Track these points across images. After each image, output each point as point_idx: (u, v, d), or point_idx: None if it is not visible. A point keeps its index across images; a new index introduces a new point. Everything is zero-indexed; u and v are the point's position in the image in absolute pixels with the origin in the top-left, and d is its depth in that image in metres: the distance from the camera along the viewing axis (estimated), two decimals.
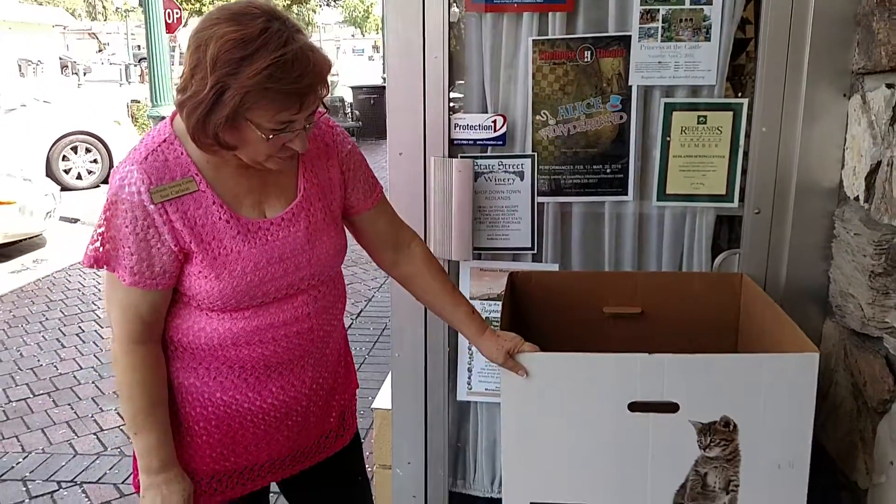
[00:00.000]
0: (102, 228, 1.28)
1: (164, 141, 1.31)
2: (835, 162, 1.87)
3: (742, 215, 1.98)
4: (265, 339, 1.36)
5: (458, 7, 1.99)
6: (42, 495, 2.78)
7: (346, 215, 1.51)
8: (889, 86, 1.62)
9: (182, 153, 1.30)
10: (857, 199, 1.77)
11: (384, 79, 2.10)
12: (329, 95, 1.34)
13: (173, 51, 16.84)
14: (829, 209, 1.89)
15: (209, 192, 1.30)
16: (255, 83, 1.17)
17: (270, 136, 1.24)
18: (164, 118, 5.19)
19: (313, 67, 1.23)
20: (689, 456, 1.54)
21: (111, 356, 1.35)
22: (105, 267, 1.29)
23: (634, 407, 1.54)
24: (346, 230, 1.54)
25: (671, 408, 1.53)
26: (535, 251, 2.14)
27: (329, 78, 1.30)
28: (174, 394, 1.38)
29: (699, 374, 1.51)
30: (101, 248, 1.28)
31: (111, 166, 9.75)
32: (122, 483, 2.86)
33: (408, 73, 1.98)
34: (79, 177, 9.60)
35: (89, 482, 2.87)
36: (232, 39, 1.17)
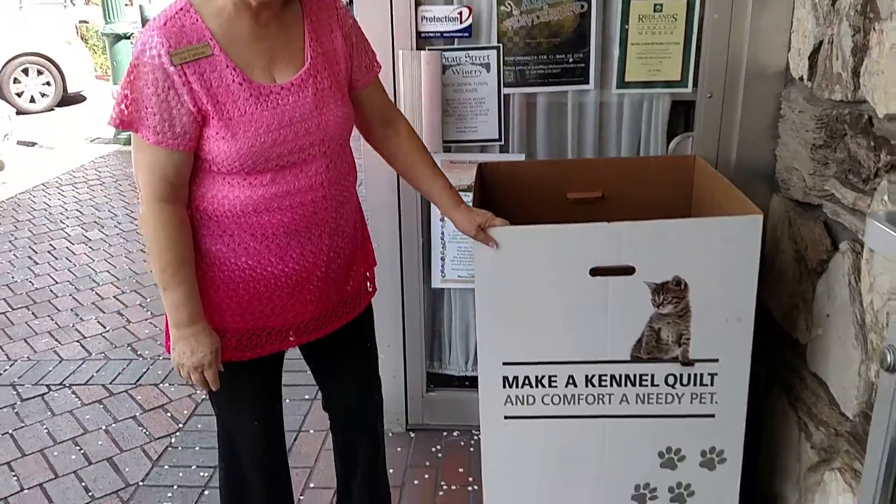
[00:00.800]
0: (126, 91, 1.36)
1: (181, 9, 1.38)
2: (782, 45, 1.98)
3: (695, 100, 2.09)
4: (283, 206, 1.45)
5: None
6: (34, 397, 2.89)
7: (350, 91, 1.59)
8: None
9: (197, 20, 1.38)
10: (801, 78, 1.89)
11: None
12: None
13: None
14: (777, 91, 2.01)
15: (223, 56, 1.38)
16: None
17: None
18: (118, 36, 5.10)
19: None
20: (644, 314, 1.69)
21: (140, 218, 1.44)
22: (129, 128, 1.37)
23: (595, 272, 1.68)
24: None
25: (628, 271, 1.67)
26: (503, 142, 2.24)
27: None
28: (202, 259, 1.48)
29: (653, 239, 1.65)
30: (125, 110, 1.36)
31: (65, 89, 9.50)
32: (111, 383, 2.98)
33: None
34: (32, 100, 9.33)
35: (78, 384, 2.98)
36: None
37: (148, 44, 1.34)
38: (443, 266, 2.45)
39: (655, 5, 2.02)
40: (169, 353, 1.51)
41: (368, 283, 1.75)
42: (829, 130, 1.72)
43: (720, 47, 2.01)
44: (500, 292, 1.73)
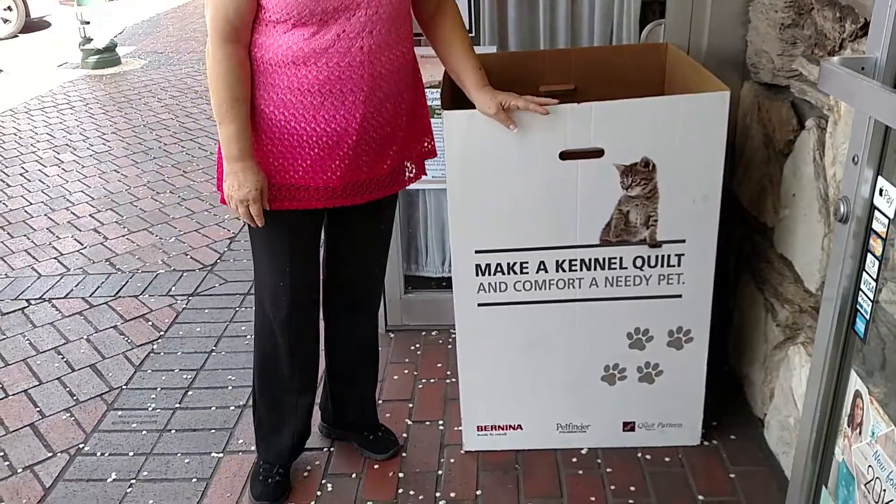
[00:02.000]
0: None
1: None
2: None
3: None
4: (320, 63, 1.49)
5: None
6: (13, 311, 2.89)
7: None
8: None
9: None
10: None
11: None
12: None
13: None
14: None
15: None
16: None
17: None
18: None
19: None
20: (612, 197, 1.71)
21: (206, 53, 1.52)
22: None
23: (564, 155, 1.69)
24: None
25: (598, 153, 1.68)
26: (473, 34, 2.21)
27: None
28: None
29: (622, 119, 1.65)
30: None
31: (27, 14, 9.18)
32: (90, 296, 2.98)
33: None
34: None
35: (57, 298, 2.98)
36: None
37: None
38: None
39: None
40: (219, 190, 1.62)
41: (408, 170, 1.76)
42: (798, 7, 1.71)
43: None
44: (469, 179, 1.74)
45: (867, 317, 1.05)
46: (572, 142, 1.67)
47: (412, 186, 2.42)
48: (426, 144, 1.78)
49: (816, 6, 1.61)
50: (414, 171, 1.78)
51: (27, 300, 3.01)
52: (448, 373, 2.36)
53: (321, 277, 1.83)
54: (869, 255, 1.03)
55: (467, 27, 2.18)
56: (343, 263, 1.84)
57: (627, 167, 1.68)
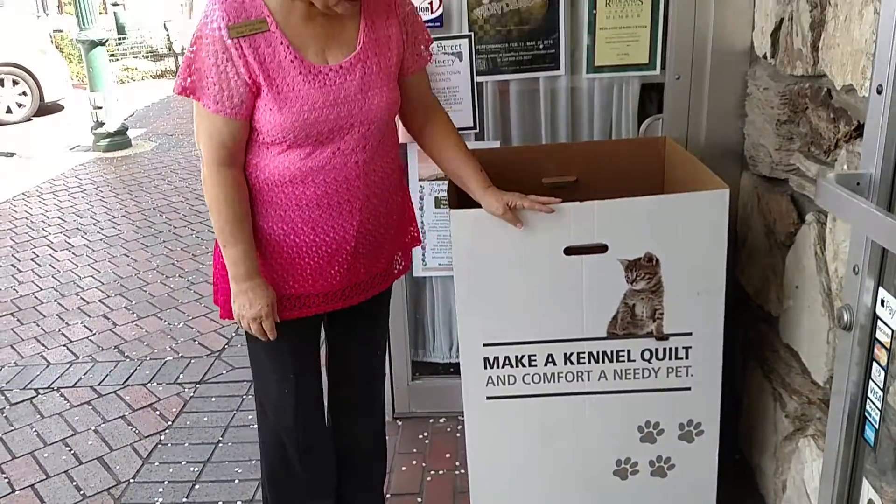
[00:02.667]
0: (189, 61, 1.44)
1: None
2: (746, 25, 2.03)
3: (664, 82, 2.13)
4: (317, 180, 1.52)
5: None
6: (22, 402, 2.89)
7: (399, 76, 1.63)
8: None
9: None
10: (765, 56, 1.94)
11: None
12: None
13: None
14: (743, 70, 2.06)
15: (279, 33, 1.44)
16: None
17: None
18: (94, 42, 5.07)
19: None
20: (618, 290, 1.73)
21: (201, 179, 1.53)
22: (192, 95, 1.45)
23: (569, 251, 1.72)
24: None
25: (601, 249, 1.71)
26: (477, 130, 2.27)
27: None
28: None
29: (624, 216, 1.69)
30: (188, 79, 1.44)
31: (41, 98, 9.44)
32: (99, 385, 2.99)
33: None
34: (9, 110, 9.28)
35: (66, 387, 2.99)
36: None
37: (210, 17, 1.42)
38: (423, 255, 2.48)
39: None
40: (217, 305, 1.65)
41: (397, 263, 1.79)
42: (793, 105, 1.76)
43: (686, 29, 2.05)
44: (477, 274, 1.76)
45: (876, 425, 1.05)
46: (576, 238, 1.71)
47: (418, 273, 2.48)
48: (412, 233, 1.83)
49: (811, 105, 1.66)
50: (402, 262, 1.81)
51: (35, 389, 3.02)
52: (457, 463, 2.34)
53: (326, 379, 1.84)
54: (874, 364, 1.04)
55: (471, 123, 2.25)
56: (346, 362, 1.85)
57: (631, 262, 1.71)
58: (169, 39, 14.43)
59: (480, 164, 1.73)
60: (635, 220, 1.69)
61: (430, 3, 2.10)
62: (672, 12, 2.05)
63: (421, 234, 2.43)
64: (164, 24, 14.83)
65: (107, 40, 7.63)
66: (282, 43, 1.44)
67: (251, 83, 1.44)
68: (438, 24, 2.12)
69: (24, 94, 9.36)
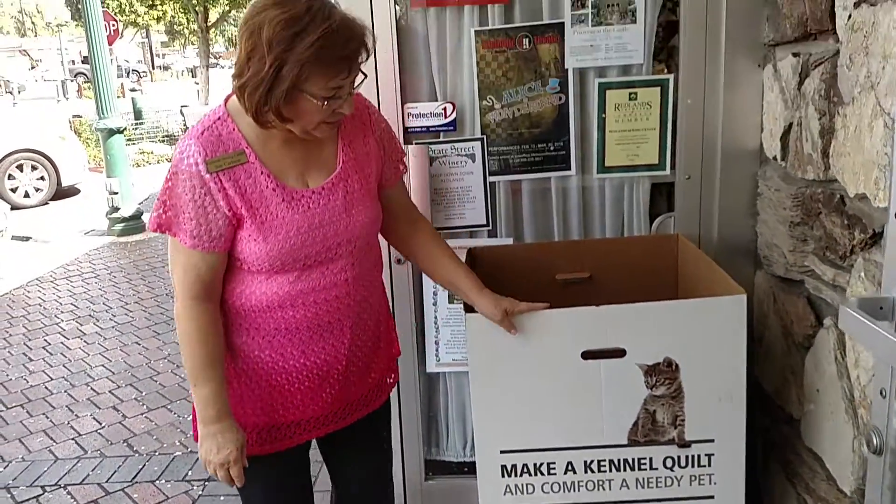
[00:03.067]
0: (165, 197, 1.42)
1: (219, 119, 1.45)
2: (754, 126, 2.06)
3: (674, 181, 2.16)
4: (307, 302, 1.49)
5: (403, 3, 2.13)
6: (28, 500, 2.85)
7: (379, 190, 1.65)
8: (795, 54, 1.81)
9: (234, 129, 1.45)
10: (775, 158, 1.96)
11: None
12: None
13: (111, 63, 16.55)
14: (753, 170, 2.08)
15: (258, 163, 1.44)
16: (310, 55, 1.31)
17: (325, 104, 1.37)
18: (112, 130, 5.21)
19: (357, 32, 1.38)
20: (638, 396, 1.71)
21: (174, 313, 1.48)
22: (167, 231, 1.43)
23: (587, 355, 1.70)
24: None
25: (619, 353, 1.70)
26: (491, 227, 2.29)
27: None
28: (227, 353, 1.52)
29: (641, 321, 1.68)
30: (163, 215, 1.42)
31: (59, 183, 9.63)
32: (106, 482, 2.94)
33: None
34: (26, 195, 9.45)
35: (73, 484, 2.94)
36: (283, 20, 1.31)
37: (186, 152, 1.41)
38: (437, 350, 2.46)
39: (630, 94, 2.11)
40: (197, 441, 1.54)
41: (390, 375, 1.77)
42: (805, 208, 1.78)
43: (695, 131, 2.09)
44: (494, 379, 1.75)
45: None
46: (594, 342, 1.70)
47: (431, 369, 2.46)
48: (396, 343, 1.82)
49: (824, 210, 1.67)
50: (393, 376, 1.80)
51: (42, 487, 2.97)
52: None
53: (333, 499, 1.80)
54: None
55: (485, 221, 2.27)
56: (348, 491, 1.80)
57: (650, 367, 1.69)
58: (185, 125, 14.79)
59: (470, 270, 1.73)
60: (653, 325, 1.69)
61: (444, 109, 2.15)
62: (680, 115, 2.09)
63: (435, 329, 2.43)
64: (181, 110, 15.22)
65: (125, 128, 7.82)
66: (262, 172, 1.44)
67: (231, 216, 1.43)
68: (452, 127, 2.17)
69: (42, 178, 9.55)
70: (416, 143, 2.18)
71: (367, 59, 1.43)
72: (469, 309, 1.79)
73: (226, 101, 1.49)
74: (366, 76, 1.49)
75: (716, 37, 2.02)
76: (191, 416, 3.41)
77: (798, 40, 1.79)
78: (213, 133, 1.43)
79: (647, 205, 2.24)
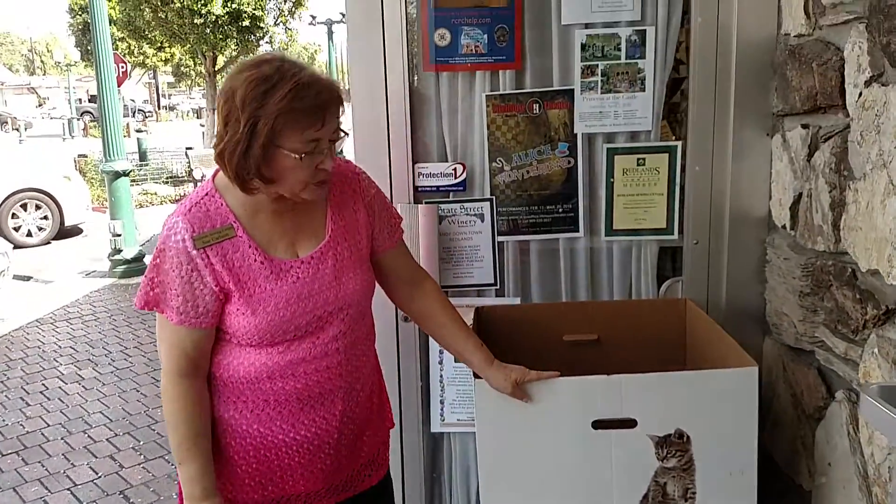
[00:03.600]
0: (152, 274, 1.42)
1: (207, 194, 1.46)
2: (763, 194, 2.07)
3: (682, 246, 2.16)
4: (297, 372, 1.48)
5: (416, 66, 2.16)
6: None
7: (372, 255, 1.65)
8: (804, 126, 1.83)
9: (222, 204, 1.45)
10: (784, 227, 1.97)
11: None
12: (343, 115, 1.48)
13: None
14: (761, 237, 2.09)
15: (245, 237, 1.44)
16: (281, 107, 1.33)
17: (303, 156, 1.37)
18: (118, 173, 5.25)
19: (327, 84, 1.40)
20: (649, 467, 1.69)
21: (161, 388, 1.46)
22: (155, 308, 1.43)
23: (597, 425, 1.69)
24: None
25: (630, 424, 1.68)
26: (498, 286, 2.29)
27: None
28: (215, 427, 1.50)
29: (653, 391, 1.67)
30: (150, 292, 1.42)
31: (62, 222, 9.66)
32: None
33: (372, 126, 2.14)
34: (29, 234, 9.48)
35: None
36: (254, 79, 1.34)
37: (173, 229, 1.41)
38: (442, 410, 2.44)
39: (638, 159, 2.12)
40: None
41: (384, 450, 1.75)
42: (815, 279, 1.77)
43: (703, 197, 2.10)
44: (502, 446, 1.73)
45: None
46: (605, 411, 1.68)
47: (436, 429, 2.43)
48: (388, 415, 1.79)
49: (835, 283, 1.67)
50: (383, 451, 1.76)
51: None
52: None
53: None
54: None
55: (492, 280, 2.27)
56: None
57: (662, 438, 1.67)
58: (190, 167, 14.90)
59: (479, 340, 1.71)
60: (665, 395, 1.67)
61: (454, 170, 2.17)
62: (688, 181, 2.11)
63: (440, 388, 2.41)
64: (186, 152, 15.36)
65: (130, 171, 7.87)
66: (249, 246, 1.44)
67: (218, 291, 1.42)
68: (461, 188, 2.18)
69: (45, 217, 9.59)
70: (425, 203, 2.20)
71: (341, 113, 1.45)
72: (478, 375, 1.78)
73: (213, 176, 1.50)
74: (346, 134, 1.50)
75: (724, 105, 2.04)
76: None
77: (807, 112, 1.81)
78: (201, 209, 1.44)
79: (655, 268, 2.24)
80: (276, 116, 1.33)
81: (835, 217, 1.67)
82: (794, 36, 1.86)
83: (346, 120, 1.51)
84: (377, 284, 1.71)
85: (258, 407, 1.49)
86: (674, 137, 2.17)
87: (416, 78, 2.16)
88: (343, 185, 1.59)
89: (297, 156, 1.37)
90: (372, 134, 2.14)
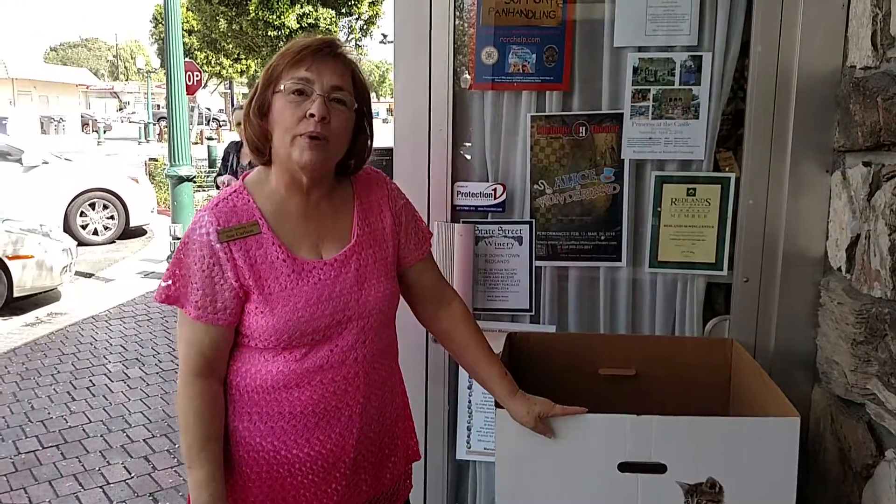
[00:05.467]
0: (175, 268, 1.41)
1: (235, 192, 1.47)
2: (819, 233, 1.95)
3: (731, 283, 2.05)
4: (313, 381, 1.44)
5: (465, 82, 2.12)
6: None
7: (398, 267, 1.62)
8: (866, 164, 1.71)
9: (249, 201, 1.46)
10: (839, 269, 1.85)
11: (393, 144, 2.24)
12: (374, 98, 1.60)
13: (192, 111, 17.32)
14: (816, 278, 1.97)
15: (270, 234, 1.44)
16: (282, 52, 1.46)
17: (291, 94, 1.41)
18: (181, 178, 5.34)
19: (325, 38, 1.49)
20: None
21: (177, 387, 1.44)
22: (175, 303, 1.41)
23: (624, 467, 1.59)
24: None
25: (659, 469, 1.58)
26: (533, 313, 2.21)
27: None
28: (227, 440, 1.47)
29: (685, 436, 1.57)
30: (172, 286, 1.41)
31: (127, 223, 9.95)
32: None
33: (414, 143, 2.10)
34: (95, 232, 9.78)
35: None
36: (279, 52, 1.49)
37: (199, 223, 1.41)
38: (468, 437, 2.37)
39: (689, 189, 2.03)
40: None
41: (407, 482, 1.69)
42: (870, 328, 1.65)
43: (756, 232, 1.99)
44: (522, 484, 1.65)
45: None
46: (632, 454, 1.59)
47: (461, 456, 2.36)
48: (413, 446, 1.72)
49: (890, 333, 1.55)
50: (406, 482, 1.71)
51: None
52: None
53: None
54: None
55: (527, 305, 2.20)
56: None
57: (692, 486, 1.57)
58: None
59: (503, 368, 1.64)
60: (698, 441, 1.57)
61: (494, 190, 2.11)
62: (741, 215, 2.00)
63: (468, 414, 2.34)
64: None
65: (194, 177, 8.06)
66: (273, 243, 1.43)
67: (238, 287, 1.40)
68: (501, 209, 2.13)
69: (112, 217, 9.88)
70: (463, 222, 2.14)
71: (341, 71, 1.47)
72: (500, 404, 1.71)
73: (244, 176, 1.52)
74: (357, 106, 1.51)
75: (782, 138, 1.94)
76: None
77: (870, 149, 1.70)
78: (228, 204, 1.44)
79: (701, 305, 2.13)
80: (275, 62, 1.45)
81: (894, 262, 1.55)
82: (860, 68, 1.75)
83: (373, 106, 1.59)
84: (403, 300, 1.67)
85: (272, 419, 1.45)
86: (739, 169, 2.07)
87: (460, 94, 2.11)
88: (371, 192, 1.58)
89: (283, 88, 1.42)
90: (413, 149, 2.10)
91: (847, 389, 1.75)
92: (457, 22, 2.06)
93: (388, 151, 2.17)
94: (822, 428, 1.90)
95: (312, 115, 1.40)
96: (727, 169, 2.06)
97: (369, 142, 1.58)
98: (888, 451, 1.57)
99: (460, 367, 2.26)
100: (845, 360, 1.75)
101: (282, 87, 1.42)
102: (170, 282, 1.41)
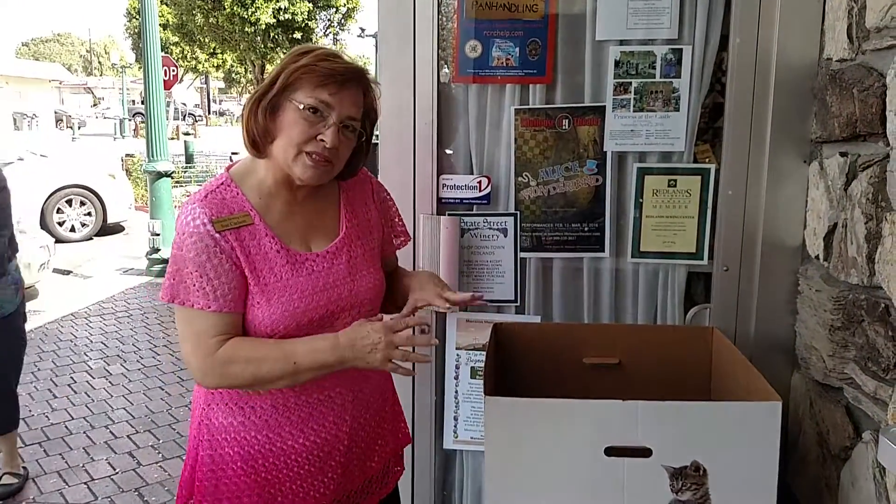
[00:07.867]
0: (176, 265, 1.40)
1: (222, 184, 1.47)
2: (797, 222, 2.00)
3: (712, 272, 2.10)
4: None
5: (446, 76, 2.13)
6: None
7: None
8: (843, 154, 1.76)
9: (237, 193, 1.46)
10: (817, 257, 1.89)
11: (377, 136, 2.24)
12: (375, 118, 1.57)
13: (167, 107, 17.12)
14: (794, 266, 2.01)
15: (262, 225, 1.44)
16: (305, 63, 1.41)
17: (307, 112, 1.40)
18: (160, 173, 5.30)
19: (355, 66, 1.47)
20: (662, 499, 1.62)
21: (207, 386, 1.43)
22: (176, 300, 1.39)
23: (610, 452, 1.63)
24: None
25: (645, 452, 1.62)
26: (518, 303, 2.24)
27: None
28: (220, 435, 1.47)
29: (670, 420, 1.60)
30: (175, 283, 1.39)
31: (105, 219, 9.86)
32: None
33: (399, 136, 2.12)
34: (72, 229, 9.68)
35: None
36: (296, 49, 1.48)
37: (191, 215, 1.39)
38: (455, 426, 2.39)
39: (670, 181, 2.07)
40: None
41: (396, 465, 1.71)
42: (847, 314, 1.70)
43: (735, 222, 2.04)
44: (511, 467, 1.67)
45: None
46: (619, 438, 1.62)
47: (448, 446, 2.39)
48: (403, 429, 1.75)
49: (867, 319, 1.60)
50: (397, 465, 1.73)
51: None
52: None
53: None
54: None
55: (513, 296, 2.23)
56: None
57: (677, 470, 1.61)
58: None
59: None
60: (682, 426, 1.60)
61: (479, 183, 2.14)
62: (721, 205, 2.04)
63: (455, 404, 2.37)
64: (230, 156, 15.58)
65: (172, 172, 8.00)
66: (266, 235, 1.43)
67: (240, 275, 1.41)
68: (486, 201, 2.15)
69: (89, 214, 9.79)
70: (448, 214, 2.16)
71: (361, 103, 1.48)
72: (489, 390, 1.73)
73: (228, 168, 1.53)
74: (365, 134, 1.52)
75: (761, 130, 1.98)
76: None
77: (846, 140, 1.74)
78: (217, 196, 1.44)
79: (683, 294, 2.17)
80: (296, 70, 1.41)
81: (870, 249, 1.59)
82: (836, 61, 1.80)
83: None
84: None
85: (266, 412, 1.47)
86: (717, 162, 2.11)
87: (445, 87, 2.13)
88: (356, 186, 1.63)
89: (301, 107, 1.40)
90: (398, 143, 2.12)
91: (825, 374, 1.80)
92: (441, 17, 2.07)
93: (374, 145, 2.20)
94: (802, 412, 1.95)
95: (323, 141, 1.42)
96: (706, 161, 2.10)
97: (364, 157, 1.60)
98: (865, 433, 1.61)
99: (446, 357, 2.29)
100: (823, 346, 1.80)
101: (300, 102, 1.41)
102: (172, 279, 1.40)
